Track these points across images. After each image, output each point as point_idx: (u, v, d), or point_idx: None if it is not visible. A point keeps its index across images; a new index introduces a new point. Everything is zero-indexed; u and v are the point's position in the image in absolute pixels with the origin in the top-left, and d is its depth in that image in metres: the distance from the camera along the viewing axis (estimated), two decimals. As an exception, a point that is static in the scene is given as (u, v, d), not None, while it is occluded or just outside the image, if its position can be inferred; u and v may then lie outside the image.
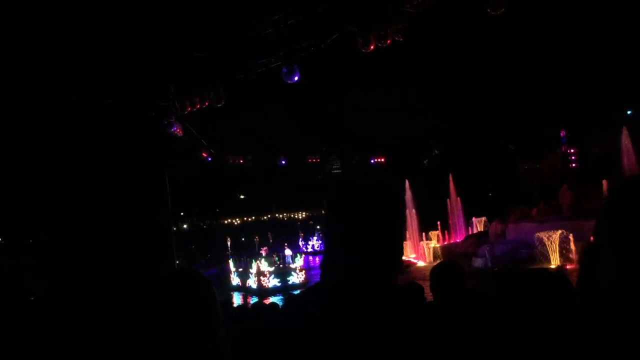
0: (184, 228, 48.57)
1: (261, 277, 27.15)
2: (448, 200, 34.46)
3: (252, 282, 27.76)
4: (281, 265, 29.17)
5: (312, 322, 1.60)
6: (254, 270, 27.91)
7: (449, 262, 3.90)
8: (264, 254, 29.66)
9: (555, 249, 21.85)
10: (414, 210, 33.17)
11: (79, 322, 1.37)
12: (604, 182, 24.70)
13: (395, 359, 1.56)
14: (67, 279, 1.41)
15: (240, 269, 29.59)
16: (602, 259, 1.48)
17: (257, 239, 34.12)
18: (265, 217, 61.68)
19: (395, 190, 1.73)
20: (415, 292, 4.78)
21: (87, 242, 1.42)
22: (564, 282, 2.17)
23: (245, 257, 30.73)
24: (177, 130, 16.01)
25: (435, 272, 3.68)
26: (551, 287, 2.16)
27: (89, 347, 1.34)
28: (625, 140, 27.56)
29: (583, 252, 3.06)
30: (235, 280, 29.44)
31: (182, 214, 50.49)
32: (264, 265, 28.30)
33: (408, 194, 33.78)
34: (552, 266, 20.80)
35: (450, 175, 34.86)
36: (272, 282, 27.12)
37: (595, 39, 33.23)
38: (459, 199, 34.20)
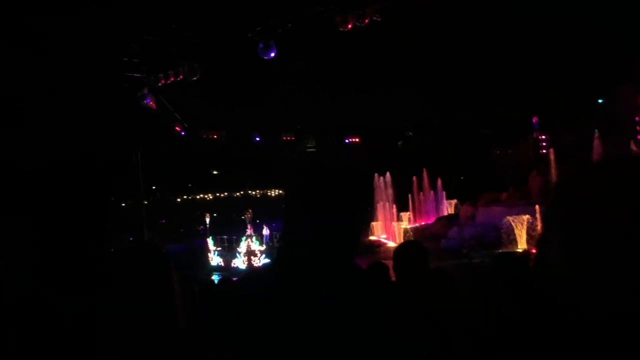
0: (154, 202, 47.96)
1: (251, 257, 25.22)
2: (422, 182, 34.76)
3: (239, 263, 25.51)
4: (264, 245, 26.91)
5: (269, 298, 1.62)
6: (242, 249, 25.92)
7: (412, 242, 3.94)
8: (248, 232, 27.56)
9: (522, 232, 22.31)
10: (387, 192, 33.40)
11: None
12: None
13: (354, 333, 1.59)
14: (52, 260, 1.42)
15: (220, 248, 27.46)
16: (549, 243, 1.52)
17: (248, 214, 30.23)
18: (238, 194, 61.45)
19: (363, 174, 1.76)
20: (380, 270, 4.83)
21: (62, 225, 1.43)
22: (528, 265, 2.23)
23: (230, 235, 28.31)
24: (151, 102, 15.78)
25: (398, 252, 3.67)
26: (516, 268, 2.21)
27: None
28: (595, 128, 28.10)
29: (538, 237, 3.13)
30: (215, 260, 27.04)
31: (153, 187, 49.96)
32: (255, 244, 26.32)
33: (381, 179, 33.91)
34: (519, 249, 21.22)
35: (423, 157, 35.14)
36: (263, 262, 24.49)
37: (568, 26, 33.61)
38: (430, 182, 34.53)
